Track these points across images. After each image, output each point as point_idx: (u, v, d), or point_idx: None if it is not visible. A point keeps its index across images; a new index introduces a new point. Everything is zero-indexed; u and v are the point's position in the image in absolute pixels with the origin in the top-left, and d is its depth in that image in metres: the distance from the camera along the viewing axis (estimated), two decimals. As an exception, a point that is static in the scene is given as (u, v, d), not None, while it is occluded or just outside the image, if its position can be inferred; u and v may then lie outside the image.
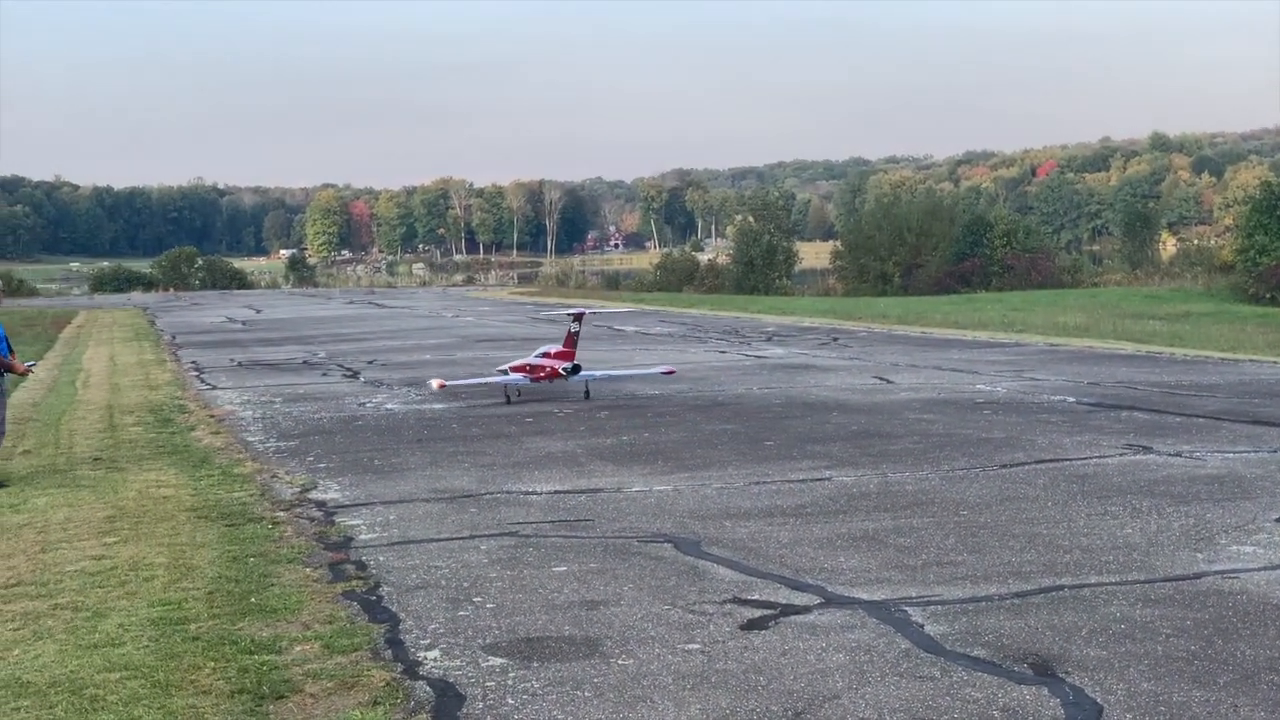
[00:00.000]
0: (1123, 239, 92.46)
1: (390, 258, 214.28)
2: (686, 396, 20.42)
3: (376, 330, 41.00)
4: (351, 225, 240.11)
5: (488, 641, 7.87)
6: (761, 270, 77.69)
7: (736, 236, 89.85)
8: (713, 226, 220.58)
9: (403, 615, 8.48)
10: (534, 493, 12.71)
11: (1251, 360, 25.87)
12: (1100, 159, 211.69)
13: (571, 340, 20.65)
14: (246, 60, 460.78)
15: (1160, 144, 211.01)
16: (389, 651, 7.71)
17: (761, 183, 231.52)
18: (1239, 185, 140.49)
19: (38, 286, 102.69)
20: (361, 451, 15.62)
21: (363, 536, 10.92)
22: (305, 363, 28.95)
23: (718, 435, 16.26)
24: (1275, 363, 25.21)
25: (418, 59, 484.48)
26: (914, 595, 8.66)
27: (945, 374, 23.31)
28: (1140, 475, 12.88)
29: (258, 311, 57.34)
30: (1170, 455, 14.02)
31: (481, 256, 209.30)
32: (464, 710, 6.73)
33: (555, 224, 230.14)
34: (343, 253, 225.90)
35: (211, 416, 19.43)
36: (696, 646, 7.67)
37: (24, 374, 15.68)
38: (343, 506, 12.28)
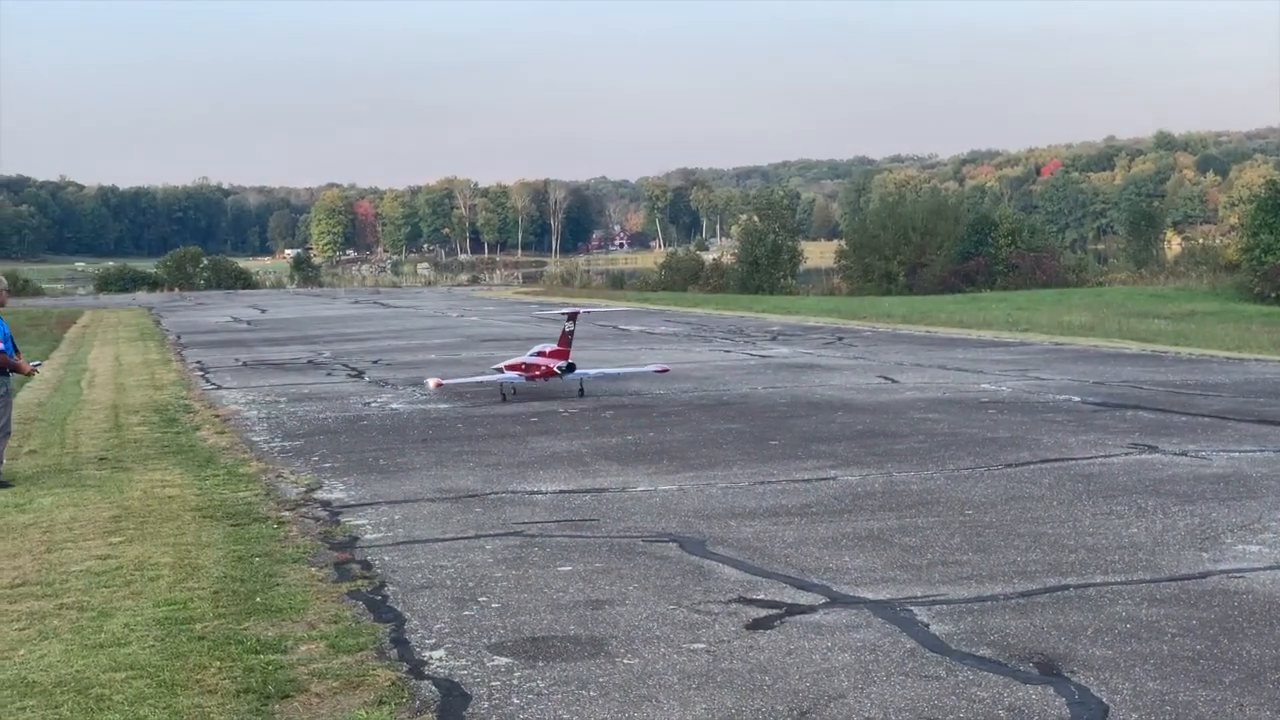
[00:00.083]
0: (1127, 238, 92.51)
1: (395, 257, 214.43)
2: (691, 396, 20.41)
3: (381, 330, 41.02)
4: (356, 225, 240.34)
5: (493, 641, 7.87)
6: (766, 270, 77.69)
7: (741, 236, 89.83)
8: (717, 226, 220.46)
9: (408, 615, 8.48)
10: (539, 492, 12.71)
11: (1257, 359, 25.83)
12: (1105, 158, 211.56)
13: (566, 339, 20.81)
14: (250, 60, 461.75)
15: (1165, 143, 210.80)
16: (394, 651, 7.71)
17: (766, 182, 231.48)
18: (1244, 184, 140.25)
19: (43, 286, 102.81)
20: (366, 451, 15.63)
21: (368, 536, 10.92)
22: (310, 362, 28.96)
23: (723, 435, 16.26)
24: (1281, 362, 25.17)
25: (418, 59, 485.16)
26: (919, 595, 8.65)
27: (950, 373, 23.30)
28: (1146, 474, 12.87)
29: (263, 311, 57.38)
30: (1176, 454, 14.00)
31: (486, 256, 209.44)
32: (469, 710, 6.73)
33: (560, 223, 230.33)
34: (347, 252, 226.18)
35: (216, 416, 19.44)
36: (702, 646, 7.66)
37: (29, 374, 15.68)
38: (348, 506, 12.28)
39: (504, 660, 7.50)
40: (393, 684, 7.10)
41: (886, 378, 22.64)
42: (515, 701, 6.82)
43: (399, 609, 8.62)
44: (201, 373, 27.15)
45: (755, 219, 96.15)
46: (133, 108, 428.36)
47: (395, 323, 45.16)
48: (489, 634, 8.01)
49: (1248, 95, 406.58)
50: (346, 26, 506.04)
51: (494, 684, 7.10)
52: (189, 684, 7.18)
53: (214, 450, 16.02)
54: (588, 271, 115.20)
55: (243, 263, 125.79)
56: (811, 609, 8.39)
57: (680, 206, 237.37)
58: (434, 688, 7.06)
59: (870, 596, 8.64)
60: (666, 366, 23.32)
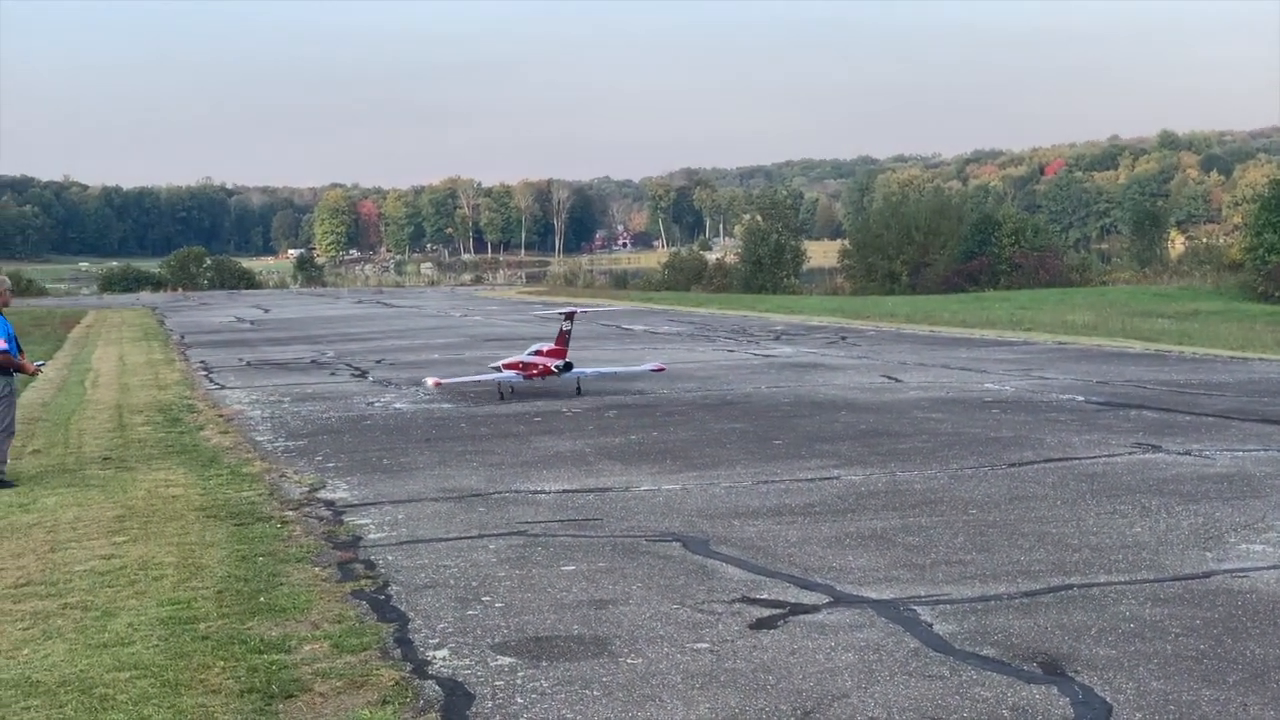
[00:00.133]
0: (1131, 237, 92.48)
1: (398, 257, 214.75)
2: (695, 395, 20.42)
3: (385, 330, 41.03)
4: (359, 225, 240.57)
5: (496, 641, 7.87)
6: (769, 269, 77.75)
7: (744, 235, 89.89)
8: (721, 226, 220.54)
9: (411, 614, 8.48)
10: (542, 492, 12.71)
11: (1260, 359, 25.81)
12: (1108, 157, 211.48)
13: (563, 338, 20.91)
14: (251, 60, 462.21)
15: (1168, 142, 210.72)
16: (398, 651, 7.72)
17: (769, 182, 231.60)
18: (1247, 183, 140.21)
19: (47, 286, 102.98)
20: (370, 451, 15.63)
21: (371, 536, 10.93)
22: (313, 362, 28.97)
23: (726, 434, 16.26)
24: (1285, 361, 25.14)
25: (418, 59, 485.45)
26: (923, 594, 8.65)
27: (953, 373, 23.28)
28: (1149, 474, 12.86)
29: (266, 311, 57.40)
30: (1179, 454, 13.99)
31: (489, 256, 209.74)
32: (473, 709, 6.74)
33: (563, 223, 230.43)
34: (351, 252, 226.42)
35: (220, 416, 19.46)
36: (705, 645, 7.66)
37: (33, 374, 15.71)
38: (351, 506, 12.29)
39: (507, 660, 7.50)
40: (396, 684, 7.11)
41: (890, 377, 22.63)
42: (519, 701, 6.82)
43: (402, 608, 8.63)
44: (205, 372, 27.17)
45: (758, 219, 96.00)
46: (134, 108, 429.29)
47: (398, 322, 45.17)
48: (492, 634, 8.01)
49: (1249, 95, 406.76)
50: (346, 26, 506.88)
51: (497, 684, 7.10)
52: (193, 684, 7.18)
53: (218, 450, 16.03)
54: (591, 271, 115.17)
55: (246, 263, 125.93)
56: (815, 609, 8.38)
57: (684, 206, 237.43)
58: (437, 687, 7.06)
59: (874, 596, 8.64)
60: (662, 365, 23.43)
